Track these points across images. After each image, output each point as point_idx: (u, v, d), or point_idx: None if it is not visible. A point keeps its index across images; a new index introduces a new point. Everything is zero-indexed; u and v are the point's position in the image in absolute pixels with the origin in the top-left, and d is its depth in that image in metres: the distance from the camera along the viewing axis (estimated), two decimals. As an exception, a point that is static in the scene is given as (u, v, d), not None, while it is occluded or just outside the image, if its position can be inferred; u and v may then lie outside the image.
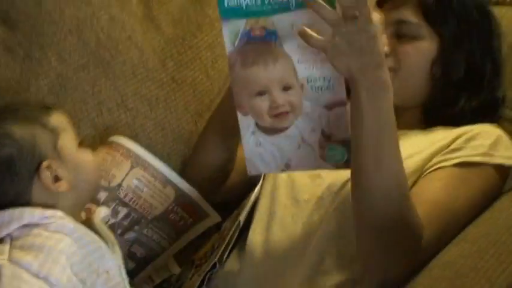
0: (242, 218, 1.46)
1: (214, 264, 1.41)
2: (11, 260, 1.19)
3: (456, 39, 1.55)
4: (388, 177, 1.23)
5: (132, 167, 1.56)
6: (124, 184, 1.55)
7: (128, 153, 1.58)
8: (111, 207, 1.53)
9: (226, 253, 1.44)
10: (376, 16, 1.25)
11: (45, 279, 1.17)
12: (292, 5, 1.17)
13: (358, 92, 1.19)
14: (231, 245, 1.45)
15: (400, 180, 1.25)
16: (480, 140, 1.42)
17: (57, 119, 1.33)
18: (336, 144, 1.28)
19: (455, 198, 1.35)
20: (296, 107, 1.27)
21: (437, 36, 1.54)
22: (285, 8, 1.17)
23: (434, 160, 1.40)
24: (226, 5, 1.18)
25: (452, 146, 1.41)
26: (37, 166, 1.28)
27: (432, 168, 1.39)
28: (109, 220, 1.50)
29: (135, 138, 1.62)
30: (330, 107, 1.24)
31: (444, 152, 1.41)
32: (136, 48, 1.69)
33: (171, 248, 1.59)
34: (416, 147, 1.42)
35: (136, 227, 1.55)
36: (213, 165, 1.61)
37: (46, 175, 1.28)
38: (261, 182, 1.52)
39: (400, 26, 1.54)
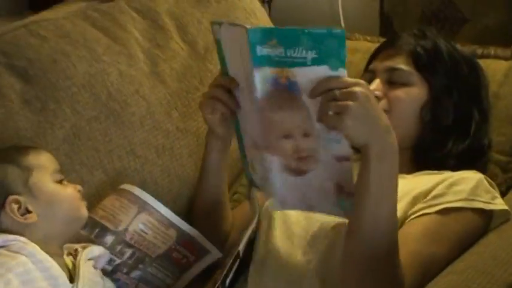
0: (241, 248, 1.46)
1: None
2: None
3: (445, 89, 1.60)
4: (382, 224, 1.27)
5: (138, 212, 1.60)
6: (130, 228, 1.58)
7: (136, 200, 1.61)
8: (117, 249, 1.57)
9: (228, 279, 1.44)
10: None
11: None
12: (309, 61, 1.19)
13: (368, 156, 1.23)
14: (232, 272, 1.45)
15: (392, 227, 1.29)
16: (461, 186, 1.44)
17: (33, 158, 1.41)
18: (346, 196, 1.30)
19: (438, 245, 1.37)
20: (315, 153, 1.28)
21: (427, 84, 1.60)
22: (303, 63, 1.19)
23: (419, 206, 1.43)
24: (258, 53, 1.20)
25: (435, 192, 1.44)
26: (4, 200, 1.35)
27: (416, 215, 1.42)
28: (114, 261, 1.53)
29: (143, 183, 1.66)
30: (338, 159, 1.26)
31: (427, 198, 1.43)
32: (144, 101, 1.73)
33: (176, 286, 1.61)
34: (401, 191, 1.39)
35: (141, 265, 1.57)
36: (208, 214, 1.64)
37: (12, 208, 1.35)
38: (256, 217, 1.53)
39: (392, 73, 1.59)
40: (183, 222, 1.61)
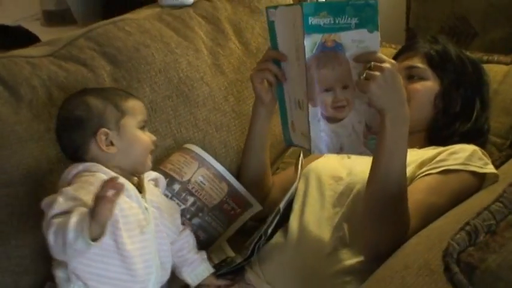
0: (282, 205, 1.68)
1: (260, 236, 1.65)
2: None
3: (454, 83, 1.84)
4: (395, 174, 1.49)
5: (199, 167, 1.80)
6: (192, 179, 1.77)
7: (197, 157, 1.82)
8: (182, 196, 1.75)
9: (270, 228, 1.66)
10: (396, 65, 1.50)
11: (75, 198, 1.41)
12: (352, 26, 1.44)
13: (384, 119, 1.45)
14: (273, 224, 1.67)
15: (402, 178, 1.50)
16: (459, 154, 1.66)
17: (130, 105, 1.58)
18: (375, 135, 1.50)
19: (438, 197, 1.58)
20: (350, 102, 1.50)
21: (439, 79, 1.84)
22: (348, 28, 1.44)
23: (424, 168, 1.65)
24: (309, 23, 1.44)
25: (438, 158, 1.66)
26: (96, 130, 1.53)
27: (422, 174, 1.64)
28: (180, 206, 1.71)
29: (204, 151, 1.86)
30: (369, 104, 1.47)
31: (432, 163, 1.65)
32: (207, 86, 1.96)
33: (225, 233, 1.81)
34: (411, 159, 1.62)
35: (200, 214, 1.76)
36: (253, 172, 1.87)
37: (101, 138, 1.53)
38: (296, 182, 1.75)
39: (410, 70, 1.84)
40: (233, 178, 1.82)
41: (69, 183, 1.48)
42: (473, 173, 1.64)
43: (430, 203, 1.57)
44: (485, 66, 1.99)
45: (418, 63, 1.87)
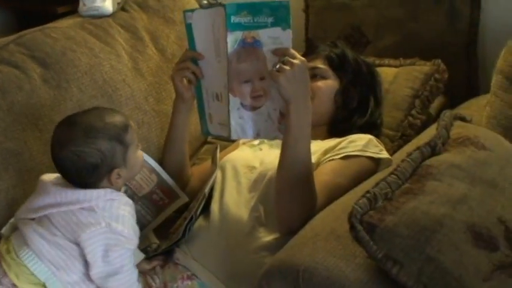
0: (207, 190, 1.79)
1: (191, 217, 1.75)
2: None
3: (351, 82, 2.02)
4: (300, 157, 1.63)
5: None
6: None
7: None
8: None
9: (199, 210, 1.77)
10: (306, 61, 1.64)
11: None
12: (269, 24, 1.58)
13: (289, 112, 1.59)
14: (201, 206, 1.77)
15: (307, 161, 1.65)
16: (358, 142, 1.83)
17: (130, 135, 1.65)
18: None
19: (342, 178, 1.72)
20: (267, 92, 1.64)
21: (338, 78, 2.02)
22: (265, 26, 1.58)
23: (328, 155, 1.80)
24: (232, 21, 1.57)
25: (339, 146, 1.82)
26: (110, 171, 1.63)
27: (326, 160, 1.79)
28: None
29: None
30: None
31: (334, 150, 1.81)
32: (128, 87, 2.07)
33: (153, 222, 1.89)
34: (316, 148, 1.80)
35: None
36: (174, 163, 1.96)
37: (114, 177, 1.63)
38: (215, 172, 1.86)
39: (313, 70, 2.00)
40: (162, 170, 1.90)
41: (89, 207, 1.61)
42: (371, 158, 1.81)
43: (335, 183, 1.72)
44: (378, 69, 2.19)
45: (320, 64, 2.04)
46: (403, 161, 1.52)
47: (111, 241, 1.59)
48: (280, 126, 1.66)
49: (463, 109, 2.17)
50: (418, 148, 1.55)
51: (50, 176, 1.69)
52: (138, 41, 2.22)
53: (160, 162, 1.99)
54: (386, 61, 2.31)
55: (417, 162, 1.53)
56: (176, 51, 2.24)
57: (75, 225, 1.58)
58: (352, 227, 1.36)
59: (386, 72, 2.23)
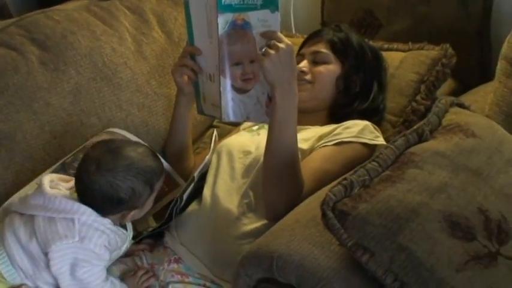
0: (196, 174, 1.79)
1: (176, 200, 1.76)
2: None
3: (354, 67, 1.98)
4: (286, 142, 1.62)
5: None
6: None
7: (122, 138, 1.89)
8: None
9: (185, 194, 1.77)
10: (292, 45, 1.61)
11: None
12: (258, 6, 1.58)
13: (274, 96, 1.59)
14: (188, 190, 1.78)
15: (293, 146, 1.63)
16: (353, 128, 1.80)
17: (160, 183, 1.68)
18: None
19: (332, 165, 1.71)
20: (257, 75, 1.63)
21: (340, 63, 1.98)
22: (254, 8, 1.58)
23: (322, 141, 1.78)
24: (223, 3, 1.56)
25: (334, 132, 1.79)
26: (130, 209, 1.65)
27: (320, 146, 1.77)
28: None
29: (126, 130, 1.97)
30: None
31: (328, 136, 1.78)
32: (130, 70, 2.06)
33: (152, 209, 1.83)
34: (312, 134, 1.80)
35: None
36: (176, 153, 1.97)
37: (129, 215, 1.66)
38: (209, 154, 1.86)
39: (315, 55, 1.99)
40: (162, 159, 1.81)
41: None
42: (365, 144, 1.79)
43: (324, 169, 1.71)
44: (386, 54, 2.15)
45: (322, 48, 2.01)
46: (386, 147, 1.49)
47: (80, 256, 1.60)
48: (267, 110, 1.66)
49: (470, 95, 2.14)
50: (404, 135, 1.51)
51: (54, 177, 1.71)
52: (144, 24, 2.21)
53: (163, 152, 2.00)
54: (395, 45, 2.26)
55: (401, 149, 1.49)
56: (183, 34, 2.23)
57: (50, 234, 1.59)
58: (324, 215, 1.35)
59: (393, 57, 2.19)
